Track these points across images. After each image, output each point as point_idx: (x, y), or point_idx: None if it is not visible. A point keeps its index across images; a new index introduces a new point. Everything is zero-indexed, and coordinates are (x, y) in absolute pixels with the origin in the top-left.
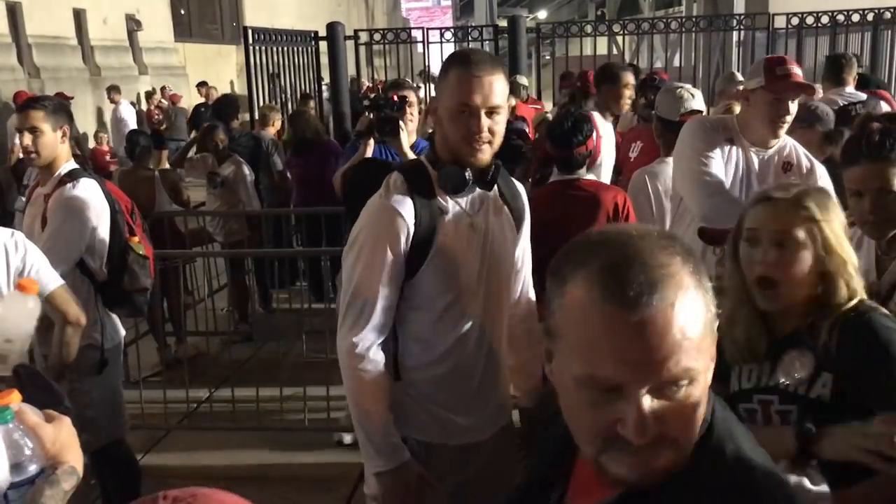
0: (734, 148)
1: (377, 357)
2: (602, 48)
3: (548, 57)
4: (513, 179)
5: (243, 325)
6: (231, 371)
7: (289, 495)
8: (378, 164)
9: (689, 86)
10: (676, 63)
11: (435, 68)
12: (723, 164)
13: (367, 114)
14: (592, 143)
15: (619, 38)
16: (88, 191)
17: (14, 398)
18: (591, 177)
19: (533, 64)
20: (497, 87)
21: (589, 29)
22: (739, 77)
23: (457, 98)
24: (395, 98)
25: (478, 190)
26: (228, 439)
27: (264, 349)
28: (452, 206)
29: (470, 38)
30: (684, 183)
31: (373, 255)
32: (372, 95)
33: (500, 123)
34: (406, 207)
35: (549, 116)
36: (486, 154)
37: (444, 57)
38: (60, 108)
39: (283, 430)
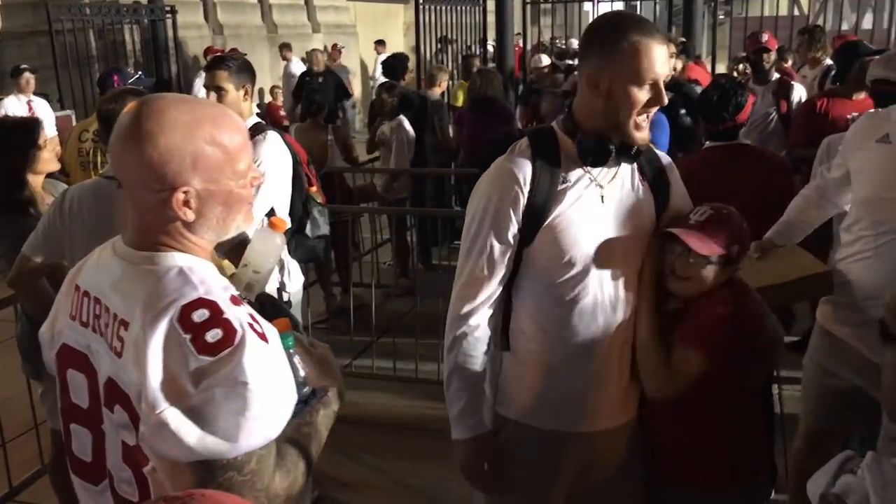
0: (890, 145)
1: (480, 334)
2: (783, 8)
3: (723, 17)
4: (656, 151)
5: (404, 279)
6: (392, 322)
7: (443, 446)
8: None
9: None
10: (867, 25)
11: None
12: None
13: None
14: (744, 115)
15: None
16: (276, 143)
17: (286, 325)
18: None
19: (706, 24)
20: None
21: None
22: None
23: (646, 71)
24: None
25: (616, 163)
26: (389, 387)
27: (424, 303)
28: (579, 175)
29: None
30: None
31: (490, 216)
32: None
33: None
34: (524, 169)
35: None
36: (648, 131)
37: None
38: (244, 67)
39: (440, 382)
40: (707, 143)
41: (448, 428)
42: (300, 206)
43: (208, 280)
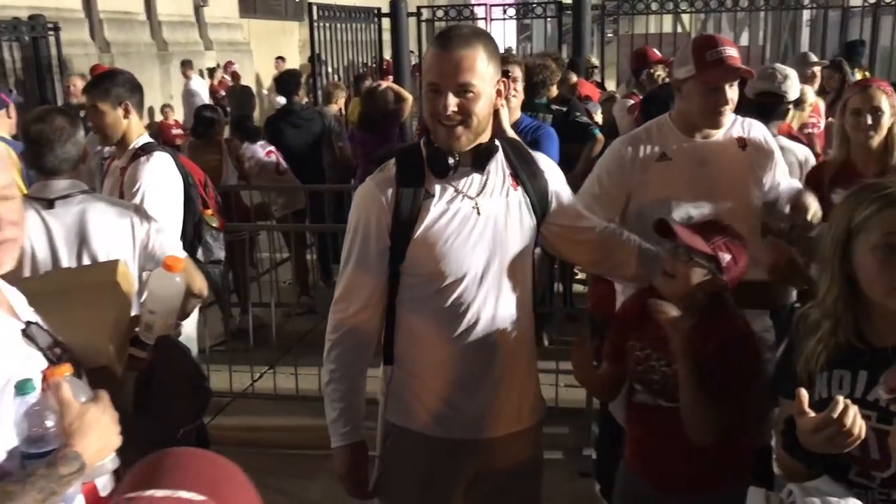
0: (670, 162)
1: (355, 342)
2: (667, 26)
3: (611, 35)
4: (535, 154)
5: (305, 297)
6: (294, 342)
7: None
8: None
9: (783, 66)
10: (744, 42)
11: None
12: (617, 200)
13: None
14: None
15: (685, 16)
16: (161, 164)
17: (62, 371)
18: None
19: (596, 42)
20: (467, 64)
21: (655, 6)
22: (813, 58)
23: (427, 78)
24: None
25: (473, 172)
26: (291, 408)
27: (325, 321)
28: (443, 188)
29: (533, 15)
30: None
31: (357, 235)
32: None
33: (474, 102)
34: (385, 189)
35: (618, 96)
36: (460, 136)
37: (505, 34)
38: (121, 83)
39: None
40: None
41: None
42: (191, 230)
43: None
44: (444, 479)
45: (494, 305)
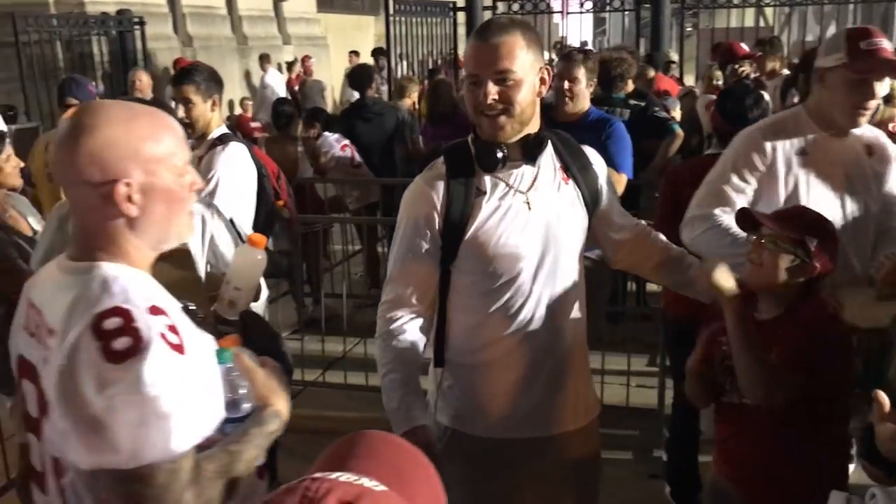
0: (808, 157)
1: (406, 335)
2: (749, 20)
3: (691, 29)
4: (584, 147)
5: (375, 289)
6: (364, 333)
7: None
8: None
9: None
10: None
11: (572, 39)
12: (749, 192)
13: None
14: None
15: (769, 10)
16: (236, 154)
17: (233, 342)
18: None
19: (674, 36)
20: (505, 50)
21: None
22: None
23: (466, 70)
24: None
25: (524, 165)
26: (361, 397)
27: None
28: (494, 184)
29: (610, 9)
30: (703, 186)
31: (406, 234)
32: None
33: (515, 89)
34: (436, 186)
35: (697, 91)
36: (503, 126)
37: (581, 27)
38: (210, 77)
39: None
40: (711, 150)
41: None
42: (263, 220)
43: (130, 289)
44: (501, 480)
45: (548, 302)
